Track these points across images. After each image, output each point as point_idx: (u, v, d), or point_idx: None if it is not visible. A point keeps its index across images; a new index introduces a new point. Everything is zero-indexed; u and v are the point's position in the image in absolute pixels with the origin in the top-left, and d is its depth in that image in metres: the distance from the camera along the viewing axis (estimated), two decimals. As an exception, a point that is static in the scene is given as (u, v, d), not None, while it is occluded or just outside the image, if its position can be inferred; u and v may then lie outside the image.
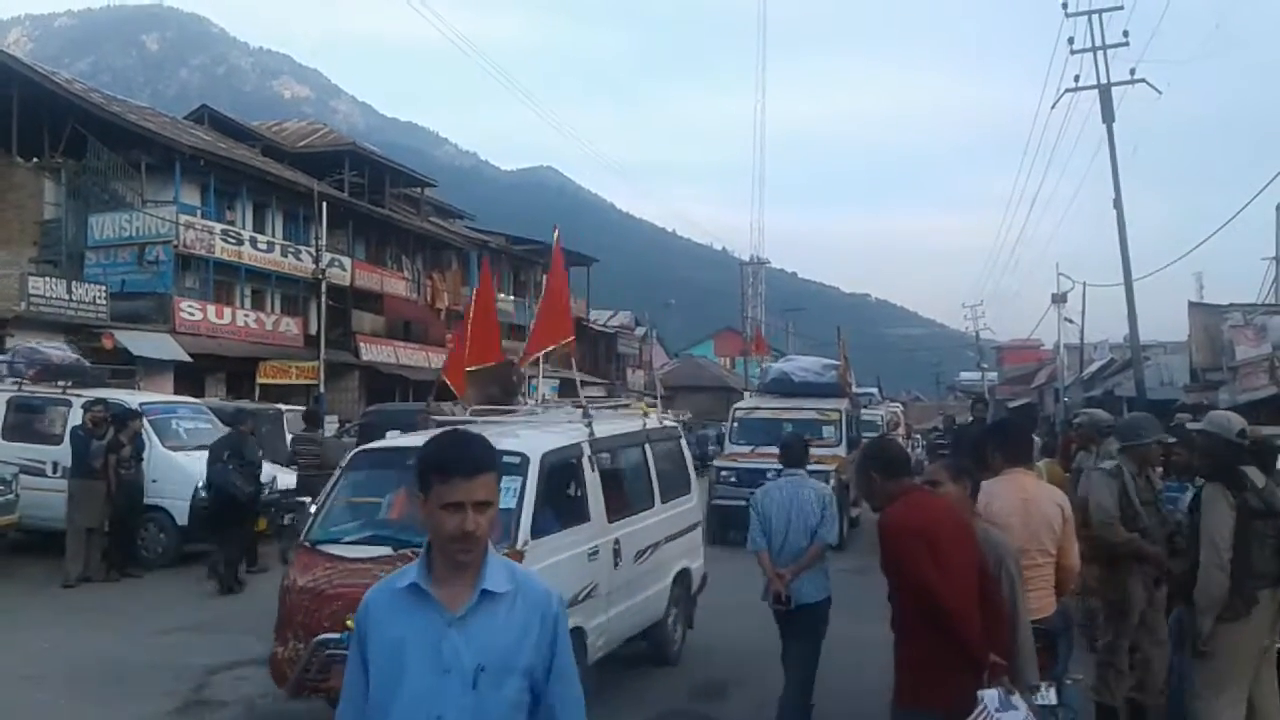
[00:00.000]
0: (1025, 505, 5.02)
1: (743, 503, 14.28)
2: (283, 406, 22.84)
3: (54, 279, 24.97)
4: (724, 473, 16.06)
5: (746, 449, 16.21)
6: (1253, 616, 5.17)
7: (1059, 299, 41.71)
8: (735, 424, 17.42)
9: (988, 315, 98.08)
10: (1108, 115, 23.10)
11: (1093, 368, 38.75)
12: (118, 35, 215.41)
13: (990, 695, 3.78)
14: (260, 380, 29.33)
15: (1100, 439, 8.99)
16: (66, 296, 24.56)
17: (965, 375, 79.24)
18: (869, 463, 4.41)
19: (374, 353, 35.32)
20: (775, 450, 14.28)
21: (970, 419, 16.86)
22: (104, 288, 25.96)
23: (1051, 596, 5.06)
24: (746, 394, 28.36)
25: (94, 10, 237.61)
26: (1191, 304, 26.93)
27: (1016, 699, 3.80)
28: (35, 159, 29.90)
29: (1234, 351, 21.11)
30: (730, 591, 11.12)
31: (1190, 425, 6.09)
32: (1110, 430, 9.27)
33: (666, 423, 9.43)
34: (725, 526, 15.39)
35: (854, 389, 18.27)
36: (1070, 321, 41.58)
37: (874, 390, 29.60)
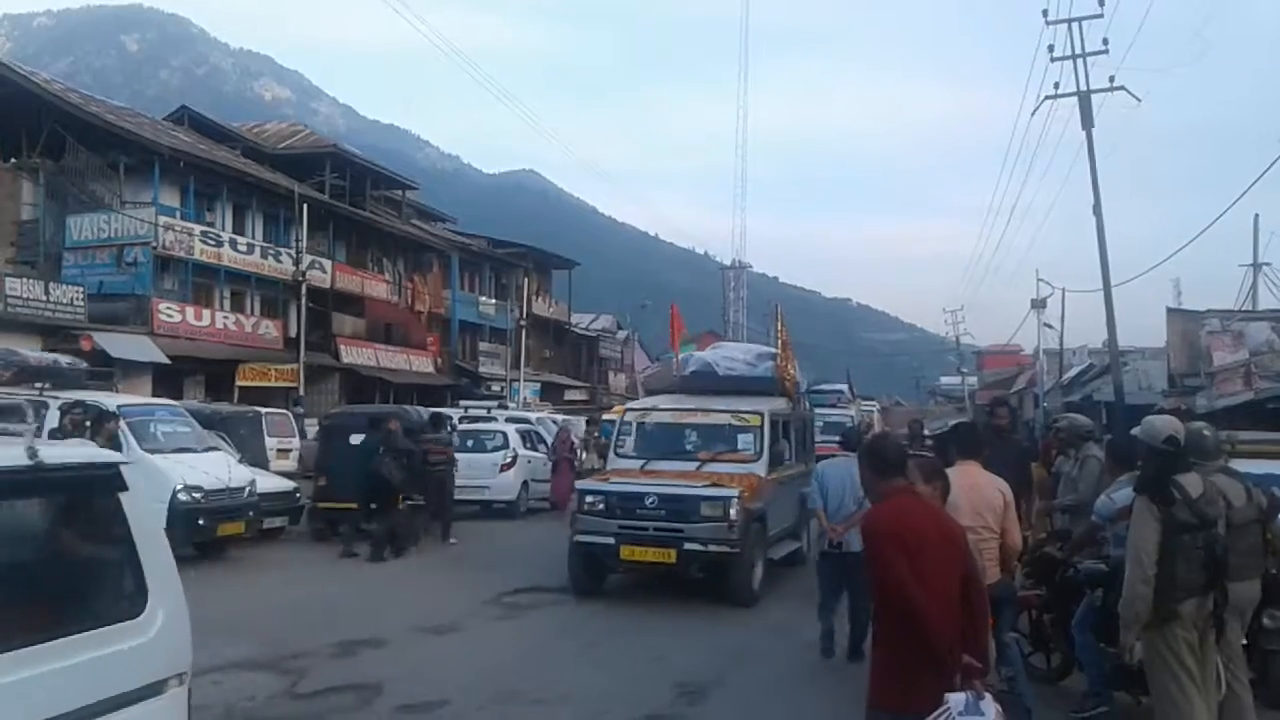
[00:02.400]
0: (972, 490, 6.10)
1: (611, 540, 10.78)
2: (262, 409, 22.78)
3: (31, 280, 24.81)
4: (590, 499, 11.19)
5: (635, 464, 11.93)
6: (1179, 625, 5.19)
7: (1038, 304, 41.95)
8: (624, 429, 13.01)
9: (968, 320, 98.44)
10: (1087, 122, 23.26)
11: (1072, 373, 38.98)
12: (97, 35, 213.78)
13: (957, 698, 3.74)
14: (239, 383, 29.20)
15: (1080, 443, 9.08)
16: (44, 298, 24.38)
17: (945, 380, 79.56)
18: (864, 458, 4.46)
19: (354, 355, 35.20)
20: (670, 468, 11.49)
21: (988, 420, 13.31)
22: (82, 289, 25.79)
23: (996, 567, 6.17)
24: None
25: (73, 10, 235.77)
26: (1170, 310, 27.13)
27: (986, 704, 3.78)
28: (13, 159, 29.67)
29: (1211, 357, 21.29)
30: (710, 597, 11.14)
31: (1134, 431, 6.08)
32: (1089, 434, 9.37)
33: (53, 457, 3.46)
34: (594, 573, 11.47)
35: (798, 384, 14.53)
36: (1050, 327, 41.86)
37: (843, 388, 27.27)
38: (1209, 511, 5.26)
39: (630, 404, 13.83)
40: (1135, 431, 5.86)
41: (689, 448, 12.15)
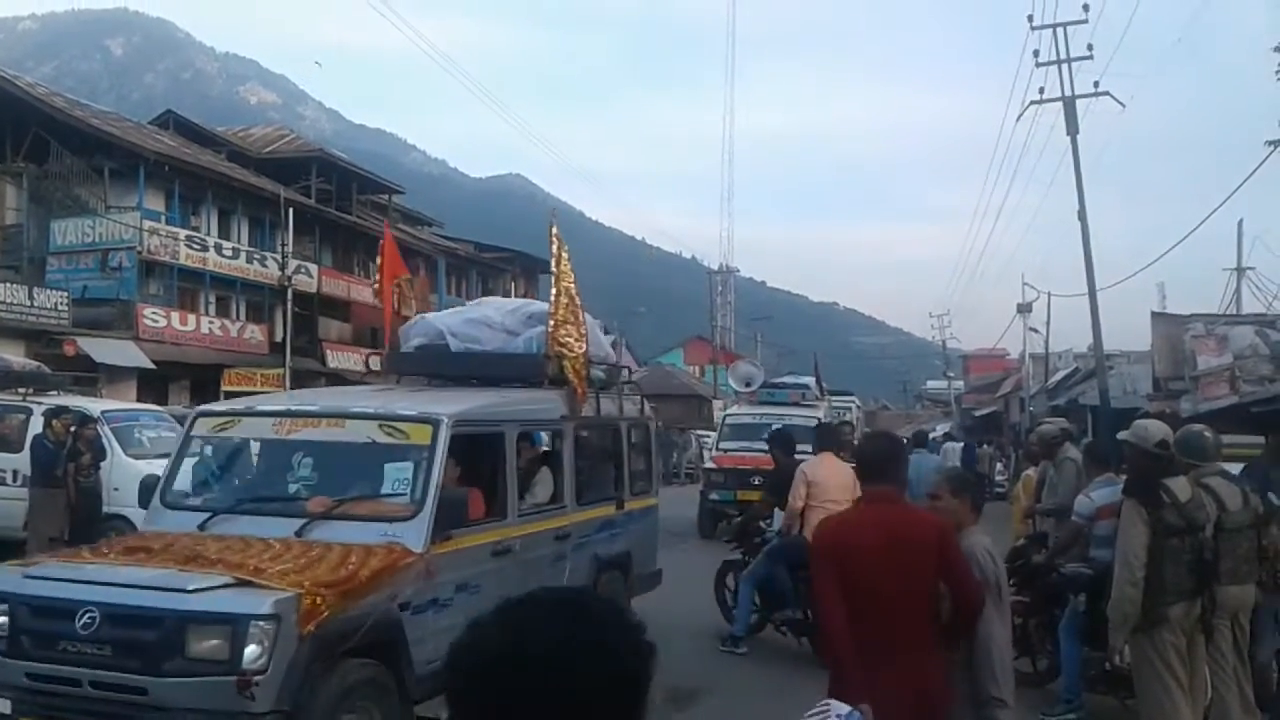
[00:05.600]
0: (834, 474, 8.58)
1: (4, 707, 5.22)
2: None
3: (14, 285, 24.66)
4: (22, 613, 5.29)
5: (193, 521, 6.32)
6: (1166, 629, 5.21)
7: (1024, 309, 42.04)
8: (188, 454, 7.13)
9: (954, 324, 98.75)
10: (1072, 127, 23.33)
11: (1057, 377, 39.06)
12: (82, 39, 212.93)
13: (840, 706, 3.39)
14: (225, 388, 29.06)
15: (1055, 449, 9.25)
16: (27, 303, 24.24)
17: (932, 384, 79.80)
18: (855, 459, 4.46)
19: (340, 360, 35.08)
20: (245, 532, 5.98)
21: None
22: (66, 294, 25.66)
23: None
24: (716, 402, 27.06)
25: (58, 14, 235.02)
26: (1154, 314, 27.20)
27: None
28: (-4, 163, 29.54)
29: (1196, 361, 21.34)
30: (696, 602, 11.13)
31: (1120, 435, 6.12)
32: (1056, 439, 9.51)
33: None
34: None
35: (608, 363, 9.47)
36: (1035, 331, 41.93)
37: (808, 382, 21.74)
38: (1197, 516, 5.29)
39: (204, 406, 8.17)
40: (1125, 435, 5.89)
41: (297, 489, 6.83)
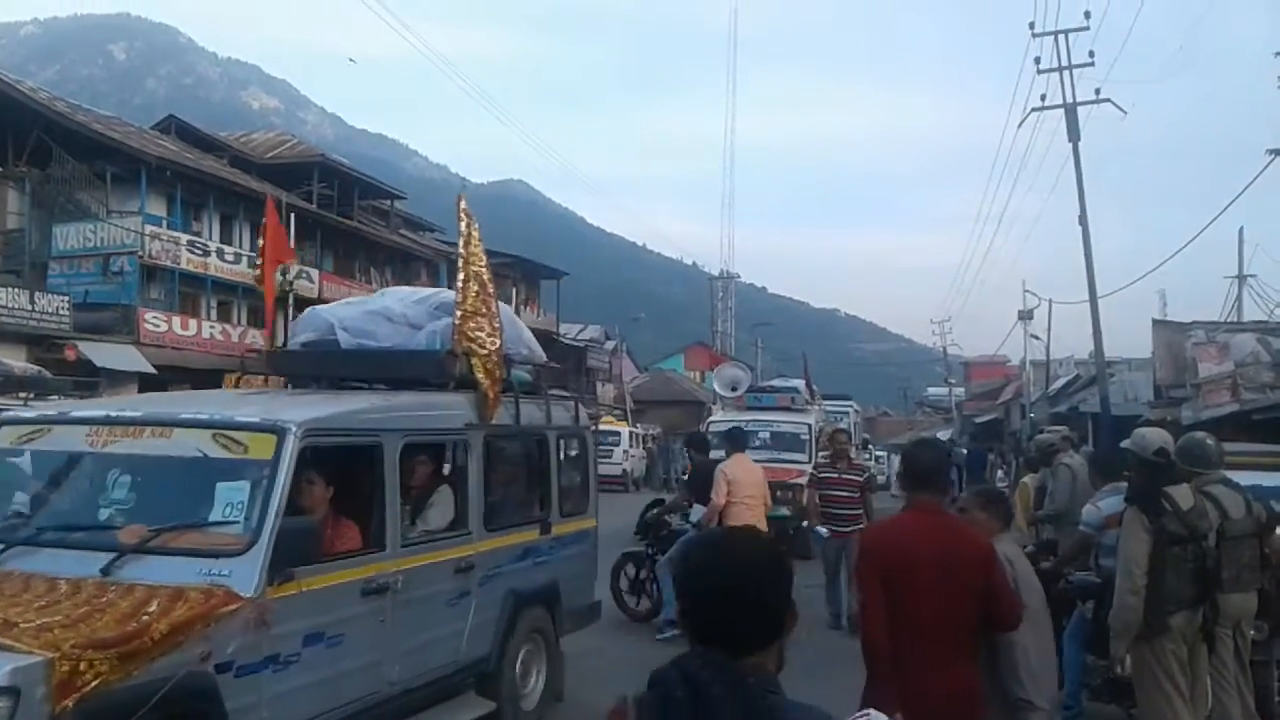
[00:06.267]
0: (747, 473, 9.89)
1: None
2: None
3: (16, 289, 24.67)
4: None
5: None
6: (1168, 638, 5.21)
7: (1025, 315, 42.02)
8: None
9: (955, 331, 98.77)
10: (1073, 134, 23.34)
11: (1058, 384, 39.04)
12: (84, 44, 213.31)
13: (879, 717, 3.50)
14: (226, 393, 29.09)
15: (1051, 457, 9.33)
16: (29, 307, 24.27)
17: (933, 390, 79.77)
18: (900, 467, 4.53)
19: (342, 365, 35.08)
20: (40, 569, 4.74)
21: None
22: (67, 298, 25.69)
23: (763, 522, 9.47)
24: (713, 407, 26.94)
25: (60, 19, 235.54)
26: (1155, 321, 27.19)
27: None
28: (-1, 168, 29.57)
29: (1197, 369, 21.33)
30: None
31: (1123, 444, 6.13)
32: (1053, 447, 9.54)
33: None
34: None
35: (526, 361, 7.87)
36: (1036, 338, 41.92)
37: (797, 385, 20.49)
38: (1199, 524, 5.28)
39: (8, 413, 6.67)
40: (1126, 443, 5.89)
41: (110, 515, 5.46)
